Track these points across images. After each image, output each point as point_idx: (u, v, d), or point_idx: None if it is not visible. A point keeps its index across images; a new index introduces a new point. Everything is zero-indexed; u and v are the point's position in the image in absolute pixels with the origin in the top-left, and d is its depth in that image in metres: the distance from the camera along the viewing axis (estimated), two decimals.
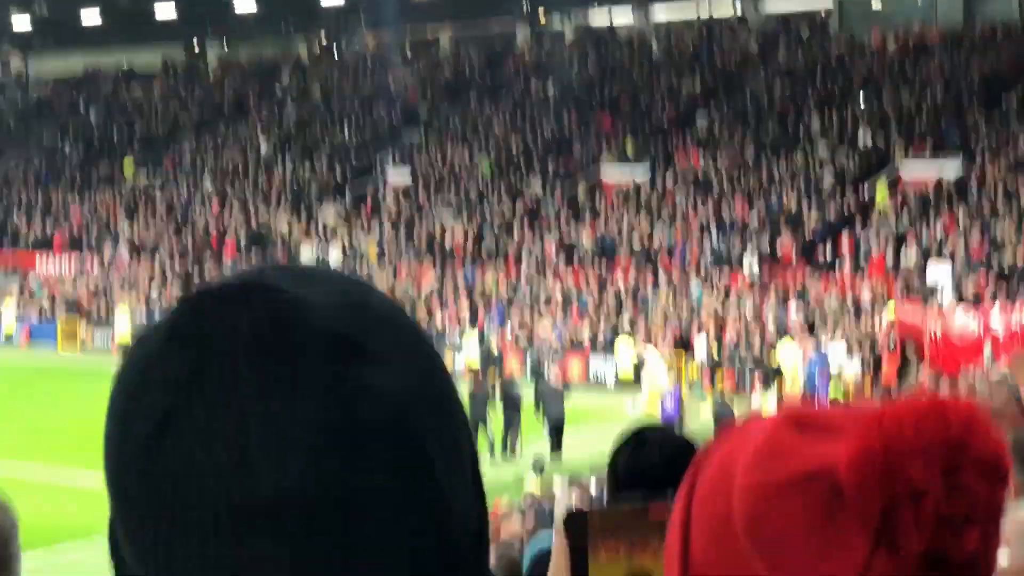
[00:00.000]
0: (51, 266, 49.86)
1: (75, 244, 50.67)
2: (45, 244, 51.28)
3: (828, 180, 39.03)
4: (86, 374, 37.27)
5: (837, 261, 35.37)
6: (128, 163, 56.19)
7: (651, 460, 3.58)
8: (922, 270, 33.56)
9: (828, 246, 35.89)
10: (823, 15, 50.34)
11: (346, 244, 44.51)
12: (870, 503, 0.93)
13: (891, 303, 31.43)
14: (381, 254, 43.18)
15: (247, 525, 0.88)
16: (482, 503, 1.00)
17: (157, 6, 60.17)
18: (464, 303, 38.47)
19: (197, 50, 65.48)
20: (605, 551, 2.23)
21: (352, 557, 0.89)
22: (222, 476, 0.88)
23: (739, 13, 52.49)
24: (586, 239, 40.16)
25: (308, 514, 0.88)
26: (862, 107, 42.65)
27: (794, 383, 29.85)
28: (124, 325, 42.32)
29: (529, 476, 19.26)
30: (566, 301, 37.11)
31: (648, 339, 33.67)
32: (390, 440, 0.91)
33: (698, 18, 53.22)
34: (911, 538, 0.93)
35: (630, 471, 3.58)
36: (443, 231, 43.19)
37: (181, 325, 0.94)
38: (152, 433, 0.91)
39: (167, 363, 0.92)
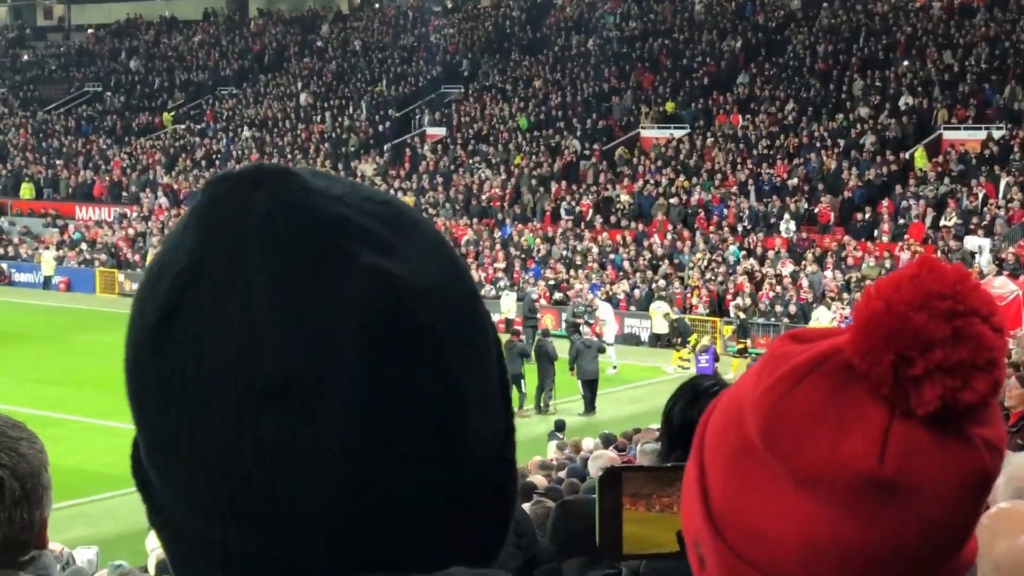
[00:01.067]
0: (90, 214, 50.22)
1: (115, 192, 50.97)
2: (85, 193, 51.60)
3: (869, 143, 38.72)
4: (123, 320, 37.62)
5: (876, 225, 35.15)
6: (168, 113, 56.40)
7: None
8: (961, 235, 33.32)
9: (867, 210, 35.66)
10: None
11: None
12: (880, 364, 0.93)
13: None
14: (418, 207, 43.15)
15: (255, 405, 0.87)
16: (508, 416, 0.99)
17: None
18: (500, 257, 38.51)
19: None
20: (640, 508, 2.25)
21: (358, 436, 0.87)
22: (229, 356, 0.87)
23: None
24: (624, 197, 40.06)
25: (315, 393, 0.86)
26: (905, 69, 42.23)
27: None
28: None
29: (550, 445, 19.08)
30: (602, 258, 37.08)
31: (683, 298, 33.65)
32: (403, 328, 0.89)
33: None
34: (924, 392, 0.93)
35: (684, 425, 3.54)
36: (480, 185, 43.18)
37: (197, 207, 0.93)
38: (163, 317, 0.90)
39: (184, 241, 0.91)
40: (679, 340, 30.45)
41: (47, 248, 46.60)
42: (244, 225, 0.89)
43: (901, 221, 34.94)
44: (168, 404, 0.89)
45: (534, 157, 43.87)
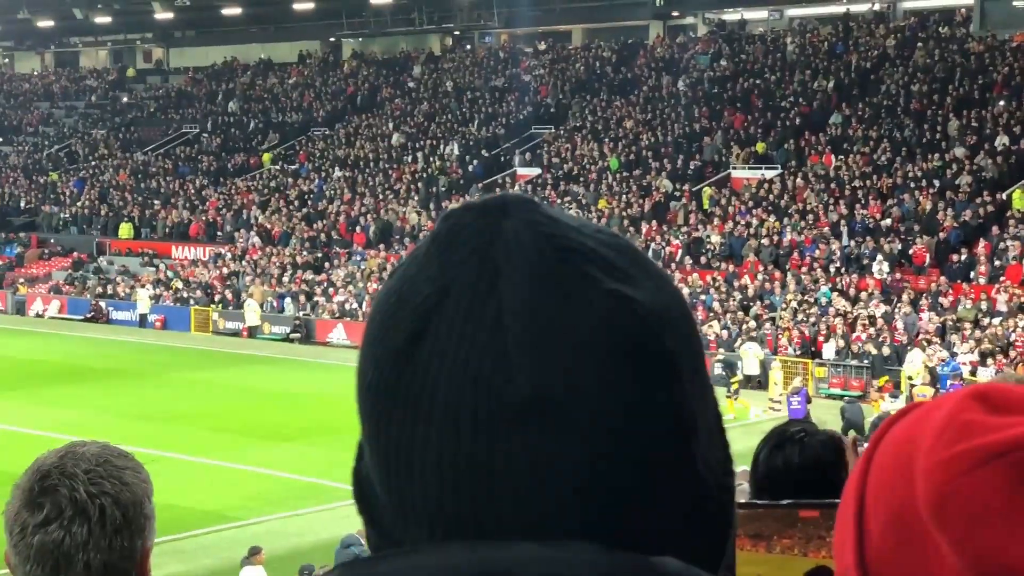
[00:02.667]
0: (186, 253, 51.08)
1: (210, 232, 51.80)
2: (181, 232, 52.51)
3: (965, 183, 38.19)
4: (217, 358, 38.14)
5: (972, 266, 34.62)
6: (267, 153, 57.29)
7: (791, 461, 3.51)
8: None
9: (963, 251, 35.14)
10: (963, 13, 49.27)
11: None
12: None
13: None
14: None
15: (507, 422, 0.89)
16: (726, 446, 1.01)
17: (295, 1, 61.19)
18: None
19: (332, 41, 66.48)
20: (760, 550, 2.23)
21: (602, 455, 0.90)
22: (481, 375, 0.89)
23: (876, 8, 51.66)
24: (714, 237, 39.88)
25: (565, 412, 0.89)
26: (1002, 109, 41.65)
27: (924, 389, 29.30)
28: (254, 311, 43.21)
29: None
30: (693, 299, 36.90)
31: (774, 340, 33.38)
32: (647, 352, 0.92)
33: (835, 14, 52.49)
34: None
35: (768, 473, 3.51)
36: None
37: (444, 233, 0.95)
38: (411, 336, 0.92)
39: (428, 269, 0.94)
40: (733, 387, 30.17)
41: (143, 287, 47.46)
42: (493, 250, 0.92)
43: (998, 263, 34.38)
44: (414, 422, 0.92)
45: (624, 197, 43.87)
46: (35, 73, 76.21)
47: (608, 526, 0.91)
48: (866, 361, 31.93)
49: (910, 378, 29.81)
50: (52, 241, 55.73)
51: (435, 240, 0.95)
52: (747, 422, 27.96)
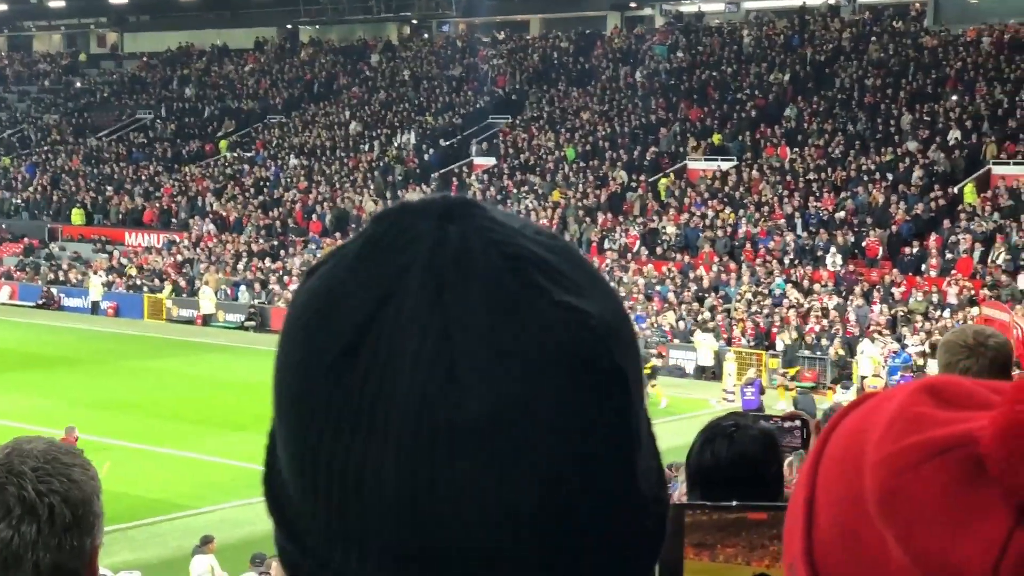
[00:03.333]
0: (140, 240, 50.72)
1: (164, 219, 51.46)
2: (135, 219, 52.13)
3: (917, 177, 38.53)
4: (171, 346, 37.93)
5: (924, 259, 34.94)
6: (222, 140, 56.96)
7: (719, 456, 3.49)
8: (1010, 271, 33.05)
9: (915, 244, 35.46)
10: (917, 8, 49.66)
11: None
12: (1016, 476, 0.87)
13: (977, 308, 30.99)
14: None
15: (454, 443, 0.84)
16: (658, 455, 0.98)
17: None
18: None
19: (289, 28, 66.16)
20: (704, 559, 2.24)
21: (554, 474, 0.86)
22: (427, 394, 0.84)
23: (832, 2, 51.97)
24: (670, 228, 40.03)
25: (517, 432, 0.85)
26: (954, 103, 42.03)
27: (875, 381, 29.57)
28: (209, 299, 42.98)
29: None
30: (648, 290, 37.05)
31: (728, 331, 33.59)
32: (601, 368, 0.88)
33: (791, 7, 52.76)
34: None
35: (699, 468, 3.49)
36: (527, 215, 43.20)
37: (380, 235, 0.90)
38: (346, 349, 0.86)
39: (364, 274, 0.88)
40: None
41: (96, 273, 47.07)
42: (437, 257, 0.86)
43: (949, 256, 34.72)
44: (350, 443, 0.85)
45: (580, 188, 43.95)
46: None
47: (560, 550, 0.88)
48: (819, 353, 32.18)
49: (863, 377, 30.03)
50: (3, 227, 55.15)
51: (370, 242, 0.90)
52: (701, 413, 28.12)
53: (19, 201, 56.27)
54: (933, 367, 28.95)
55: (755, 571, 2.34)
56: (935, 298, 32.81)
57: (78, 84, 68.64)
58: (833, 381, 30.29)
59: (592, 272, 0.92)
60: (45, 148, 61.44)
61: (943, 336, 4.44)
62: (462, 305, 0.85)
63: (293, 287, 42.92)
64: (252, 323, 41.84)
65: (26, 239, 53.22)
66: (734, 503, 2.51)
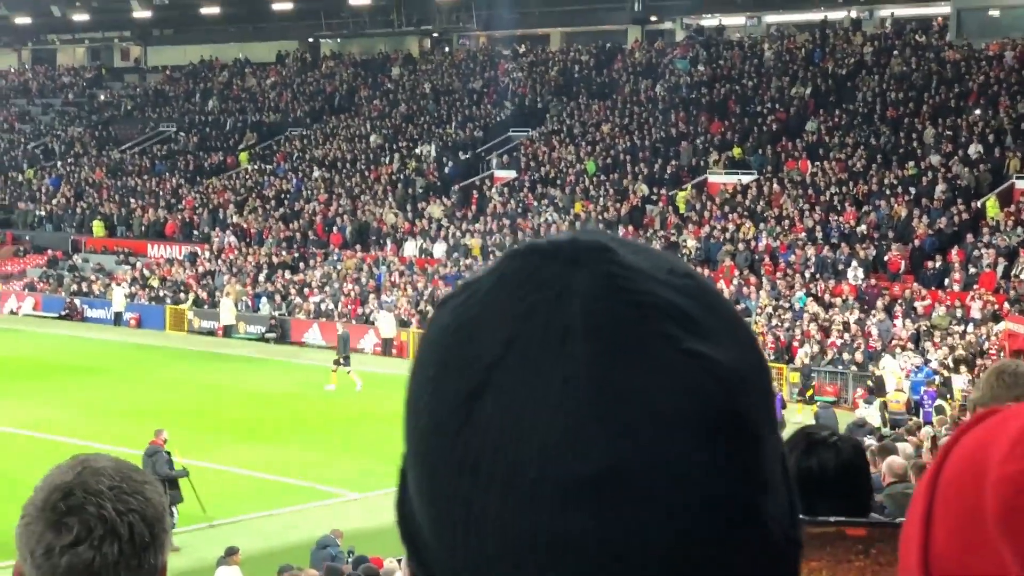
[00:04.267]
0: (162, 252, 50.93)
1: (186, 231, 51.66)
2: (157, 231, 52.35)
3: (940, 191, 38.42)
4: (192, 356, 38.03)
5: (946, 273, 34.83)
6: (243, 153, 57.18)
7: (826, 466, 3.50)
8: None
9: (938, 258, 35.35)
10: (940, 22, 49.57)
11: (451, 239, 44.81)
12: None
13: (1002, 323, 30.88)
14: (486, 250, 43.42)
15: (577, 495, 0.83)
16: (791, 492, 0.95)
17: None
18: None
19: (311, 42, 66.43)
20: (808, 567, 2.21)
21: (681, 527, 0.85)
22: (548, 443, 0.83)
23: (853, 16, 51.93)
24: (690, 242, 40.01)
25: (642, 484, 0.83)
26: (977, 117, 41.92)
27: (898, 395, 29.47)
28: (229, 311, 43.11)
29: None
30: None
31: None
32: (728, 418, 0.86)
33: (812, 21, 52.74)
34: None
35: (799, 476, 3.43)
36: (547, 228, 43.30)
37: (509, 278, 0.89)
38: (472, 391, 0.86)
39: (491, 317, 0.88)
40: None
41: (119, 285, 47.29)
42: (563, 305, 0.85)
43: (972, 270, 34.60)
44: (471, 484, 0.85)
45: (601, 201, 43.96)
46: (12, 70, 75.85)
47: None
48: (840, 367, 32.09)
49: (882, 383, 29.93)
50: (27, 238, 55.46)
51: (500, 282, 0.89)
52: None
53: (43, 213, 56.58)
54: (957, 382, 28.94)
55: None
56: (958, 312, 32.70)
57: (102, 97, 69.02)
58: (868, 392, 30.05)
59: (728, 315, 0.91)
60: (69, 160, 61.79)
61: (995, 364, 4.28)
62: (586, 353, 0.84)
63: (314, 299, 43.27)
64: (272, 335, 41.96)
65: (50, 251, 53.53)
66: (832, 519, 2.50)
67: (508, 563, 0.84)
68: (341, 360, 33.48)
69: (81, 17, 66.72)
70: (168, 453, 20.40)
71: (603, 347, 0.84)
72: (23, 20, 66.68)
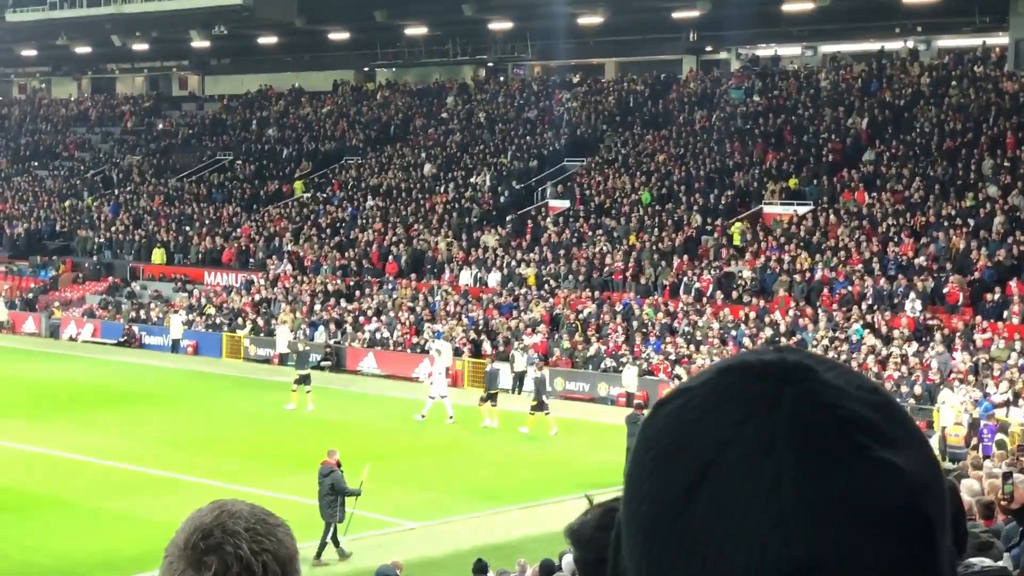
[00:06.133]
0: (219, 279, 51.38)
1: (242, 259, 52.10)
2: (214, 258, 52.83)
3: (998, 222, 38.10)
4: (248, 384, 38.23)
5: (1006, 306, 34.50)
6: (299, 181, 57.62)
7: None
8: None
9: (997, 290, 35.03)
10: (998, 52, 49.24)
11: (505, 268, 44.90)
12: None
13: None
14: (540, 279, 43.48)
15: None
16: (954, 560, 1.06)
17: (331, 29, 61.56)
18: (621, 331, 38.54)
19: (366, 71, 66.91)
20: None
21: None
22: (757, 536, 0.95)
23: (911, 46, 51.68)
24: (746, 272, 39.88)
25: None
26: None
27: (956, 429, 29.19)
28: (285, 338, 43.38)
29: None
30: (723, 334, 36.90)
31: None
32: (912, 520, 0.98)
33: (869, 51, 52.50)
34: None
35: None
36: (602, 258, 43.32)
37: (724, 388, 1.02)
38: (691, 483, 0.98)
39: (708, 422, 1.01)
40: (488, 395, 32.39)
41: (176, 312, 47.74)
42: (773, 417, 0.99)
43: None
44: (686, 567, 0.98)
45: (656, 231, 43.92)
46: (72, 98, 76.96)
47: None
48: (898, 400, 31.82)
49: (943, 427, 29.66)
50: (86, 265, 56.15)
51: (715, 392, 1.03)
52: None
53: (102, 240, 57.26)
54: (1017, 415, 28.61)
55: None
56: (1018, 345, 32.37)
57: (160, 126, 69.84)
58: (927, 426, 29.78)
59: (909, 426, 1.04)
60: (127, 188, 62.53)
61: None
62: (792, 459, 0.96)
63: (369, 327, 43.51)
64: (328, 363, 42.16)
65: (109, 278, 54.14)
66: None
67: None
68: (487, 396, 33.41)
69: (140, 46, 67.58)
70: (341, 472, 21.43)
71: (806, 454, 0.97)
72: (83, 49, 67.63)
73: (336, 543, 21.65)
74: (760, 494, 0.96)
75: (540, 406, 32.01)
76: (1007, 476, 12.14)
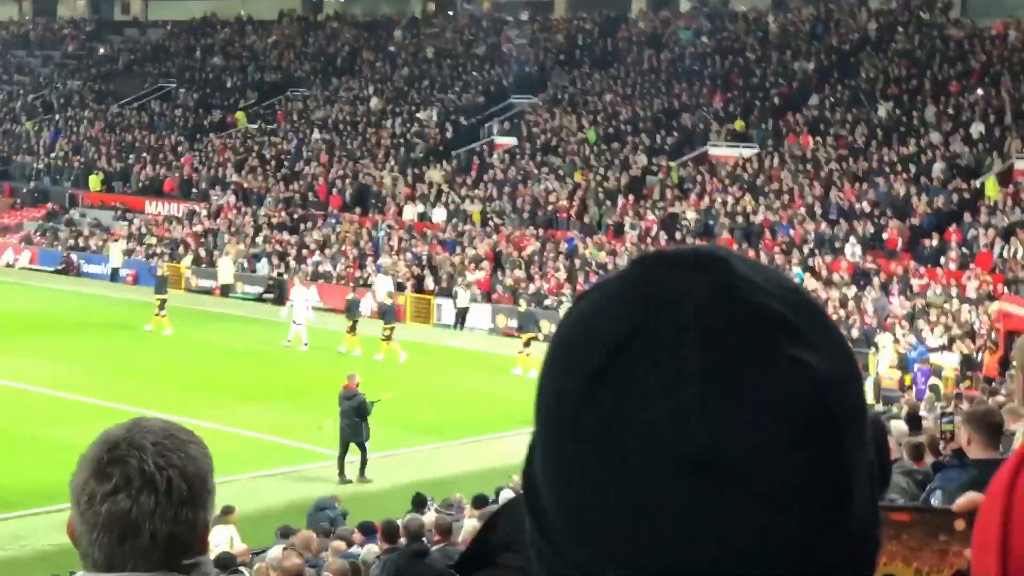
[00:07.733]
0: (160, 209, 50.88)
1: (184, 189, 51.60)
2: (155, 188, 52.29)
3: (939, 169, 38.46)
4: (189, 315, 38.04)
5: (943, 252, 34.90)
6: (241, 112, 57.02)
7: None
8: None
9: (935, 236, 35.42)
10: (945, 0, 49.42)
11: (451, 204, 44.80)
12: None
13: (996, 303, 30.98)
14: (485, 215, 43.42)
15: (684, 475, 0.93)
16: (874, 493, 1.04)
17: None
18: (563, 269, 38.64)
19: (313, 1, 66.11)
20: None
21: (771, 515, 0.94)
22: (659, 426, 0.93)
23: None
24: (690, 214, 40.04)
25: (738, 471, 0.93)
26: (979, 97, 41.90)
27: (892, 373, 29.62)
28: (227, 270, 43.13)
29: None
30: None
31: None
32: (819, 420, 0.95)
33: None
34: None
35: None
36: (547, 196, 43.32)
37: (637, 279, 1.00)
38: (595, 373, 0.96)
39: (619, 310, 0.98)
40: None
41: (116, 241, 47.26)
42: (684, 305, 0.96)
43: (969, 250, 34.68)
44: (590, 458, 0.96)
45: (601, 171, 43.95)
46: (12, 21, 75.47)
47: None
48: None
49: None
50: (24, 191, 55.37)
51: (628, 282, 1.00)
52: None
53: (40, 166, 56.47)
54: (950, 359, 29.07)
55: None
56: (954, 291, 32.80)
57: (101, 51, 68.71)
58: (863, 368, 30.15)
59: (827, 328, 1.02)
60: (68, 114, 61.59)
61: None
62: (700, 350, 0.94)
63: (312, 260, 43.26)
64: (270, 295, 41.99)
65: (47, 204, 53.45)
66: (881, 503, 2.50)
67: (615, 535, 0.95)
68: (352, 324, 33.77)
69: None
70: (364, 394, 21.87)
71: (715, 346, 0.95)
72: None
73: (341, 467, 21.90)
74: (663, 384, 0.94)
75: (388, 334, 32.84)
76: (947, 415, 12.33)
